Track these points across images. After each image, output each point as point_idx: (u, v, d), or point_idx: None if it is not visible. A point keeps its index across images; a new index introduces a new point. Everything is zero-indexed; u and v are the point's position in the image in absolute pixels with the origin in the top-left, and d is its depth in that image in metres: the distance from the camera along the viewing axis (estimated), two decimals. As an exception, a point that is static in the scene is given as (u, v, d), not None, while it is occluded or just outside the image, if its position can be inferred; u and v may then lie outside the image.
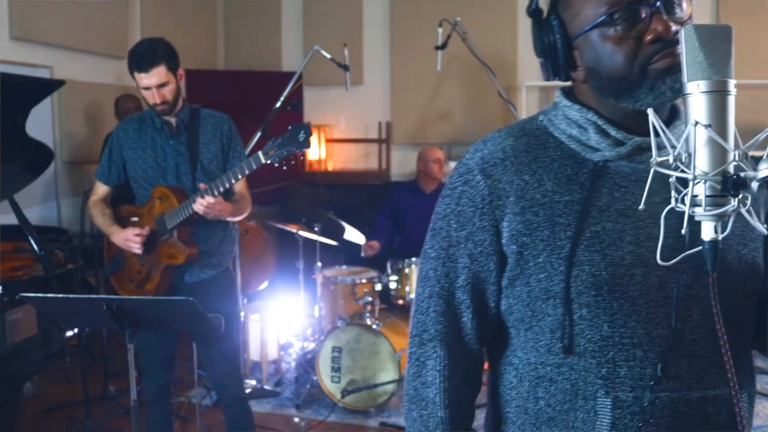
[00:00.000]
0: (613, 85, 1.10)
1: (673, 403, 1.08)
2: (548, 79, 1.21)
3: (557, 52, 1.15)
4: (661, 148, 0.95)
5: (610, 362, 1.09)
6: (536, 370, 1.15)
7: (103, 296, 2.34)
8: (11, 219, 3.21)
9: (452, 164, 6.42)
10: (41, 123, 4.80)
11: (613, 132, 1.12)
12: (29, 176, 3.77)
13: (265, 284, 5.00)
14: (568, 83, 1.21)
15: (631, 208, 1.10)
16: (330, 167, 7.33)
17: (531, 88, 6.64)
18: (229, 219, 2.97)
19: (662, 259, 0.99)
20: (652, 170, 0.96)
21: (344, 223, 4.54)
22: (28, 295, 2.48)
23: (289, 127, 2.70)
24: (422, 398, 1.20)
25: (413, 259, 4.30)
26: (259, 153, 2.71)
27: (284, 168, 2.74)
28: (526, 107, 6.49)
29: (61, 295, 2.61)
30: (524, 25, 6.67)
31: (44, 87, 3.63)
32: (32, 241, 3.01)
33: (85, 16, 5.41)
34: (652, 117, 0.97)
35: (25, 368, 2.91)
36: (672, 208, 0.96)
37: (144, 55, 2.76)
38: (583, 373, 1.10)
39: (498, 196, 1.14)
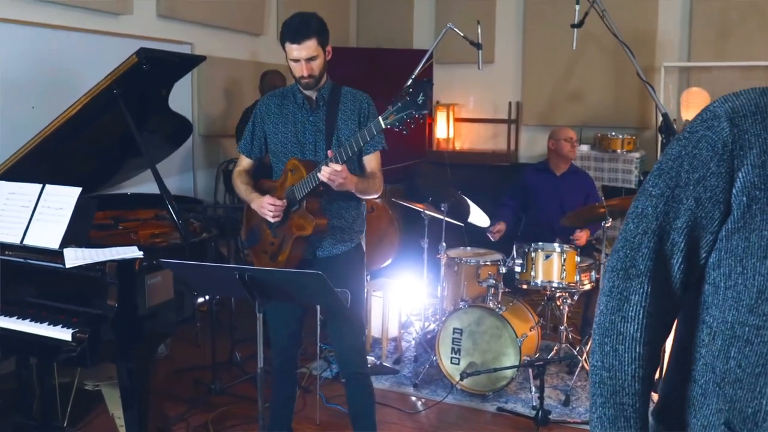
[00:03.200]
0: None
1: None
2: None
3: None
4: None
5: None
6: (732, 329, 1.13)
7: (237, 265, 2.40)
8: (152, 188, 3.36)
9: (584, 147, 6.23)
10: (182, 97, 5.01)
11: None
12: (170, 147, 3.94)
13: (388, 262, 5.03)
14: None
15: None
16: (457, 147, 7.28)
17: (671, 68, 6.32)
18: (357, 195, 2.98)
19: None
20: None
21: (471, 204, 4.48)
22: (167, 261, 2.58)
23: (410, 90, 2.63)
24: (620, 332, 1.20)
25: (540, 243, 4.19)
26: (379, 118, 2.67)
27: (404, 132, 2.68)
28: (665, 89, 6.18)
29: (197, 262, 2.70)
30: (665, 2, 6.35)
31: (187, 62, 3.75)
32: (171, 210, 3.13)
33: (224, -6, 5.59)
34: None
35: (161, 330, 3.04)
36: None
37: (298, 28, 2.79)
38: None
39: (741, 146, 1.11)
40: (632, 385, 1.19)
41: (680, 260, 1.18)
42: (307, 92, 2.94)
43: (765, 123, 1.11)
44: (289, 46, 2.83)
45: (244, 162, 3.14)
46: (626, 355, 1.19)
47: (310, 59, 2.82)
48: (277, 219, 2.92)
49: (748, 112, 1.12)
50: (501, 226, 4.73)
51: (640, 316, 1.18)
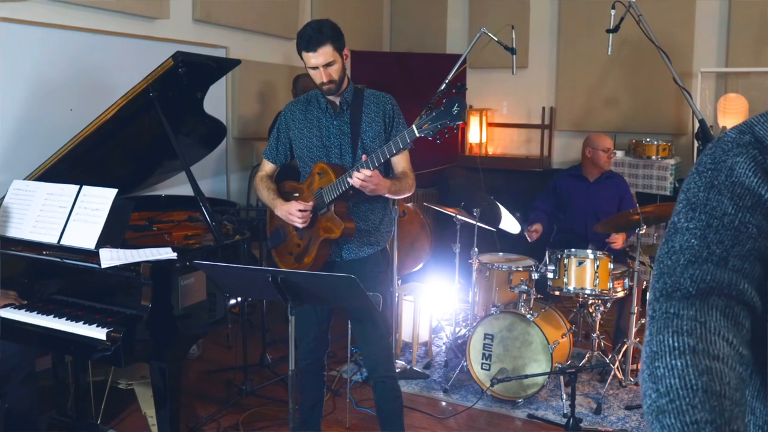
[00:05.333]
0: None
1: None
2: None
3: None
4: None
5: None
6: None
7: (270, 268, 2.41)
8: (186, 190, 3.40)
9: (619, 153, 6.16)
10: (216, 100, 5.06)
11: None
12: (204, 150, 3.97)
13: (420, 266, 5.02)
14: None
15: None
16: (490, 151, 7.25)
17: (707, 74, 6.22)
18: (389, 196, 2.98)
19: None
20: None
21: (503, 209, 4.46)
22: (200, 263, 2.61)
23: (444, 101, 2.66)
24: (674, 347, 0.95)
25: (573, 249, 4.15)
26: (413, 126, 2.69)
27: (438, 141, 2.70)
28: (701, 95, 6.09)
29: (231, 264, 2.73)
30: (702, 7, 6.26)
31: (222, 66, 3.79)
32: (204, 212, 3.16)
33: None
34: None
35: (194, 331, 3.07)
36: None
37: (311, 36, 2.82)
38: None
39: None
40: (705, 401, 0.89)
41: (745, 284, 1.02)
42: (330, 97, 2.97)
43: None
44: (305, 54, 2.86)
45: (267, 167, 3.17)
46: (690, 369, 0.92)
47: (327, 65, 2.84)
48: (305, 224, 2.94)
49: None
50: (538, 227, 4.71)
51: (698, 330, 0.96)
